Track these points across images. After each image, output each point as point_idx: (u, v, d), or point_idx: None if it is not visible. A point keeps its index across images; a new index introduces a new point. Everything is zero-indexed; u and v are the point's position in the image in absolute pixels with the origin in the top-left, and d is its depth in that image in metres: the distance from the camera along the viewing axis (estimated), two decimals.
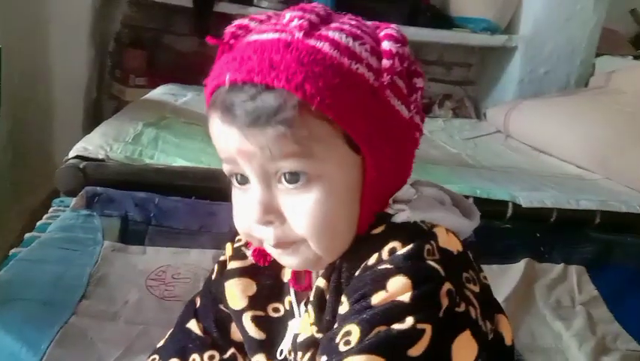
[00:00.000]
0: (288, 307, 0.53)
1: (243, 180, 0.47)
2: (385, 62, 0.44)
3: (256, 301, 0.55)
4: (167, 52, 2.35)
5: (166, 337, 0.63)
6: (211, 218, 1.12)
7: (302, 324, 0.50)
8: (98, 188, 1.13)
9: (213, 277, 0.62)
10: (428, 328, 0.40)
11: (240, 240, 0.58)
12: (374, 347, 0.39)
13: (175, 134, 1.46)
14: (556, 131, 1.79)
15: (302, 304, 0.52)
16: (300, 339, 0.49)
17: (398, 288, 0.41)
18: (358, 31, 0.45)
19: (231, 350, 0.59)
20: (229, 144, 0.44)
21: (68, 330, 0.77)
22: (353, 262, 0.45)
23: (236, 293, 0.56)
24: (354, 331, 0.41)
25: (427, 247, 0.44)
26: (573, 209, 1.28)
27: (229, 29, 0.47)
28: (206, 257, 1.02)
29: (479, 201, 1.28)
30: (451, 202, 0.52)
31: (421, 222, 0.46)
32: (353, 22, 0.46)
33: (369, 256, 0.44)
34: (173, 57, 2.34)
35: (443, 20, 2.23)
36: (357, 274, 0.44)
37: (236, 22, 0.47)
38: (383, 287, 0.41)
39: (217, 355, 0.59)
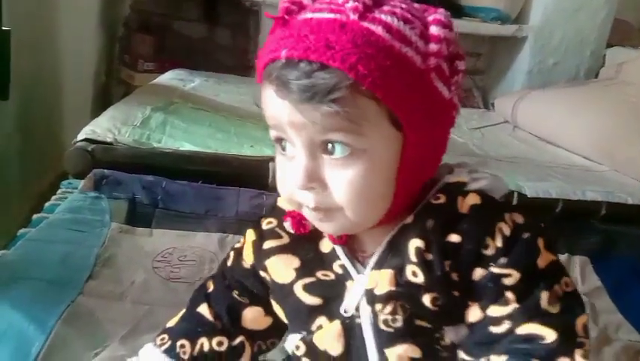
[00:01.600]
0: (340, 271, 0.54)
1: (288, 148, 0.49)
2: (433, 47, 0.46)
3: (303, 271, 0.56)
4: (176, 37, 2.35)
5: (176, 318, 0.63)
6: (217, 202, 1.13)
7: (371, 281, 0.52)
8: (106, 171, 1.14)
9: (229, 263, 0.63)
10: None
11: (270, 222, 0.59)
12: (580, 306, 0.49)
13: (183, 119, 1.47)
14: (563, 123, 1.79)
15: (357, 264, 0.54)
16: (378, 292, 0.51)
17: (545, 247, 0.49)
18: (409, 15, 0.47)
19: (240, 338, 0.60)
20: (281, 114, 0.47)
21: (75, 309, 0.79)
22: (475, 232, 0.49)
23: (281, 268, 0.57)
24: (551, 295, 0.48)
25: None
26: (579, 200, 1.28)
27: (283, 4, 0.48)
28: (211, 240, 1.03)
29: None
30: None
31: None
32: (404, 6, 0.48)
33: (491, 227, 0.48)
34: (182, 43, 2.34)
35: (453, 9, 2.21)
36: (498, 245, 0.48)
37: None
38: (539, 251, 0.49)
39: (226, 341, 0.60)
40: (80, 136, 1.24)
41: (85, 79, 2.04)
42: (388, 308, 0.51)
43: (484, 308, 0.49)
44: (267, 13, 0.50)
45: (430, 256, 0.49)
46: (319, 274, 0.55)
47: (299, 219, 0.55)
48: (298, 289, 0.55)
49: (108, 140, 1.22)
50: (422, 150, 0.49)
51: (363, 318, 0.52)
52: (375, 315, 0.52)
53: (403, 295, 0.50)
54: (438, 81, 0.47)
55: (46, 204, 1.13)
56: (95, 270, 0.89)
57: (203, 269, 0.94)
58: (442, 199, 0.51)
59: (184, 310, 0.63)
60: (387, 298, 0.51)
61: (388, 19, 0.45)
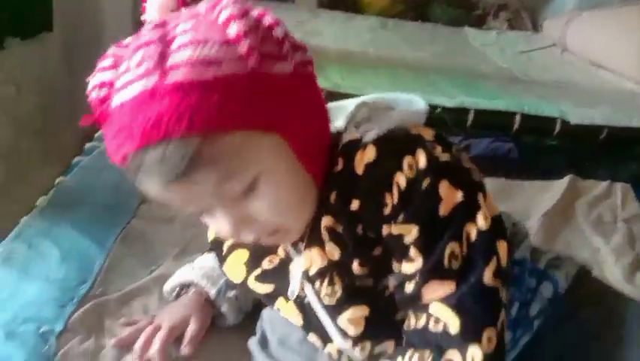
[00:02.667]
0: (282, 255, 0.57)
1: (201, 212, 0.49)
2: (241, 48, 0.43)
3: (252, 263, 0.59)
4: None
5: None
6: None
7: (306, 260, 0.54)
8: None
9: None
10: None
11: None
12: (488, 252, 0.47)
13: None
14: (615, 45, 1.70)
15: (296, 246, 0.55)
16: (312, 273, 0.54)
17: (449, 191, 0.47)
18: (199, 32, 0.43)
19: None
20: (167, 198, 0.46)
21: (130, 230, 0.85)
22: (372, 194, 0.48)
23: (234, 267, 0.61)
24: (455, 248, 0.47)
25: (428, 146, 0.48)
26: (624, 127, 1.24)
27: (92, 95, 0.46)
28: None
29: (526, 118, 1.27)
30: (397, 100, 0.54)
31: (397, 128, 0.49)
32: (190, 25, 0.44)
33: (387, 182, 0.47)
34: None
35: None
36: (395, 202, 0.47)
37: (94, 80, 0.46)
38: (439, 198, 0.46)
39: None
40: None
41: (124, 9, 2.05)
42: (325, 283, 0.53)
43: (398, 264, 0.50)
44: (82, 120, 0.48)
45: (339, 229, 0.50)
46: (265, 262, 0.58)
47: None
48: (251, 282, 0.59)
49: None
50: (303, 128, 0.47)
51: (309, 298, 0.56)
52: (316, 292, 0.55)
53: (334, 267, 0.52)
54: (272, 66, 0.44)
55: (97, 134, 1.19)
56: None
57: None
58: (340, 165, 0.49)
59: None
60: (321, 274, 0.53)
61: (186, 54, 0.42)
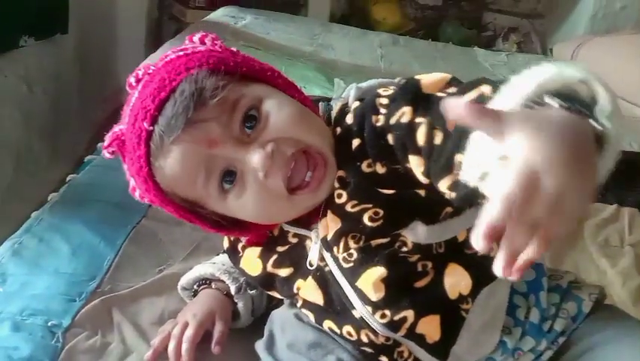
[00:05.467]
0: (296, 240, 0.59)
1: (230, 176, 0.52)
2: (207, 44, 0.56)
3: (265, 253, 0.61)
4: None
5: None
6: None
7: (322, 229, 0.55)
8: None
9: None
10: None
11: None
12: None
13: None
14: (626, 72, 1.71)
15: (309, 226, 0.57)
16: (330, 237, 0.55)
17: (426, 75, 0.50)
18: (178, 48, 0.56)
19: None
20: (196, 150, 0.50)
21: (140, 230, 0.85)
22: (363, 122, 0.52)
23: (250, 262, 0.62)
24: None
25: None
26: (632, 151, 1.25)
27: (108, 144, 0.55)
28: None
29: None
30: None
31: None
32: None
33: (373, 107, 0.52)
34: None
35: None
36: (383, 112, 0.50)
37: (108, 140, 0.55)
38: (418, 79, 0.49)
39: None
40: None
41: (138, 14, 2.07)
42: (342, 247, 0.54)
43: (417, 152, 0.46)
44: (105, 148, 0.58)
45: (348, 177, 0.53)
46: (279, 248, 0.60)
47: (252, 240, 0.61)
48: (270, 269, 0.60)
49: None
50: (283, 83, 0.56)
51: (330, 265, 0.56)
52: (335, 258, 0.55)
53: (348, 226, 0.53)
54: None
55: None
56: None
57: None
58: (339, 130, 0.55)
59: None
60: (338, 238, 0.54)
61: (167, 51, 0.55)
